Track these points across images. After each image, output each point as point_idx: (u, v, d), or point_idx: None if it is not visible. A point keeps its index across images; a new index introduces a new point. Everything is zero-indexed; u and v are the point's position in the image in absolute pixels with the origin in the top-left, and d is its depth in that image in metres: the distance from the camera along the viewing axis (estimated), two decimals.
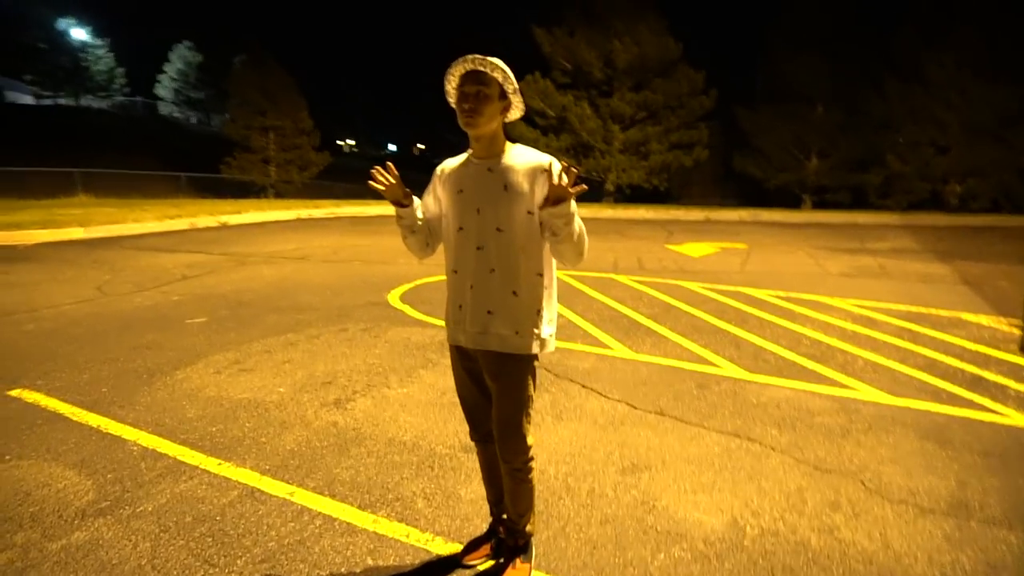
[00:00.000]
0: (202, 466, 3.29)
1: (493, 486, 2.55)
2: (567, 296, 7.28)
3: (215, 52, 59.10)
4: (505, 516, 2.50)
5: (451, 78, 2.09)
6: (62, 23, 53.36)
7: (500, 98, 2.09)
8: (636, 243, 12.38)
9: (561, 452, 3.48)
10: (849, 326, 6.15)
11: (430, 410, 4.03)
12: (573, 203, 2.01)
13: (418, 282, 8.03)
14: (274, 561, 2.52)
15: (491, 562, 2.52)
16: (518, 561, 2.43)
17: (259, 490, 3.07)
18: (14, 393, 4.24)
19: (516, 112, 2.17)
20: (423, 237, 2.37)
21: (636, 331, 5.88)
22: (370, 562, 2.52)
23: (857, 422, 3.90)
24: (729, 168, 29.09)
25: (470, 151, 2.21)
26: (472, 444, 2.63)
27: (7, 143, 32.59)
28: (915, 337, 5.78)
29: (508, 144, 2.17)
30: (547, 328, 2.24)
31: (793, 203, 25.47)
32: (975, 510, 2.90)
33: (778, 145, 25.48)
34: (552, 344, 2.28)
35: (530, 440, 2.30)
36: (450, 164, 2.28)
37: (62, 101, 53.45)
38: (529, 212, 2.10)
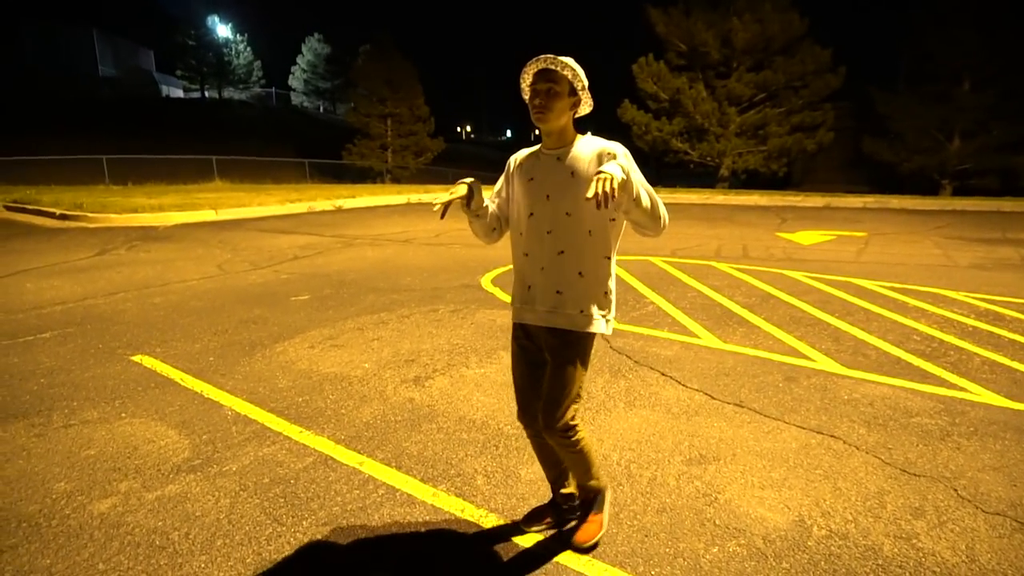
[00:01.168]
0: (285, 433, 3.52)
1: (549, 465, 2.60)
2: (660, 283, 7.11)
3: (343, 43, 62.03)
4: (566, 491, 2.62)
5: (526, 76, 2.23)
6: (208, 20, 57.70)
7: (569, 95, 2.19)
8: (744, 230, 11.86)
9: (628, 439, 3.43)
10: (970, 321, 5.62)
11: (504, 391, 4.08)
12: (631, 184, 2.02)
13: (509, 267, 8.11)
14: (335, 524, 2.67)
15: (552, 531, 2.62)
16: (591, 515, 2.55)
17: (332, 458, 3.24)
18: (136, 358, 4.70)
19: (585, 108, 2.28)
20: (489, 222, 2.44)
21: (728, 320, 5.66)
22: (423, 532, 2.61)
23: (961, 425, 3.59)
24: (859, 152, 27.15)
25: (541, 144, 2.33)
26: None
27: (163, 132, 35.93)
28: None
29: (578, 136, 2.28)
30: (612, 310, 2.35)
31: (931, 190, 23.44)
32: None
33: (918, 128, 23.48)
34: (612, 325, 2.36)
35: (575, 419, 2.33)
36: (523, 154, 2.40)
37: (207, 94, 57.91)
38: None
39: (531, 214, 2.27)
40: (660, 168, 31.65)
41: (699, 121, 23.91)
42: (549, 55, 2.13)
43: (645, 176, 2.19)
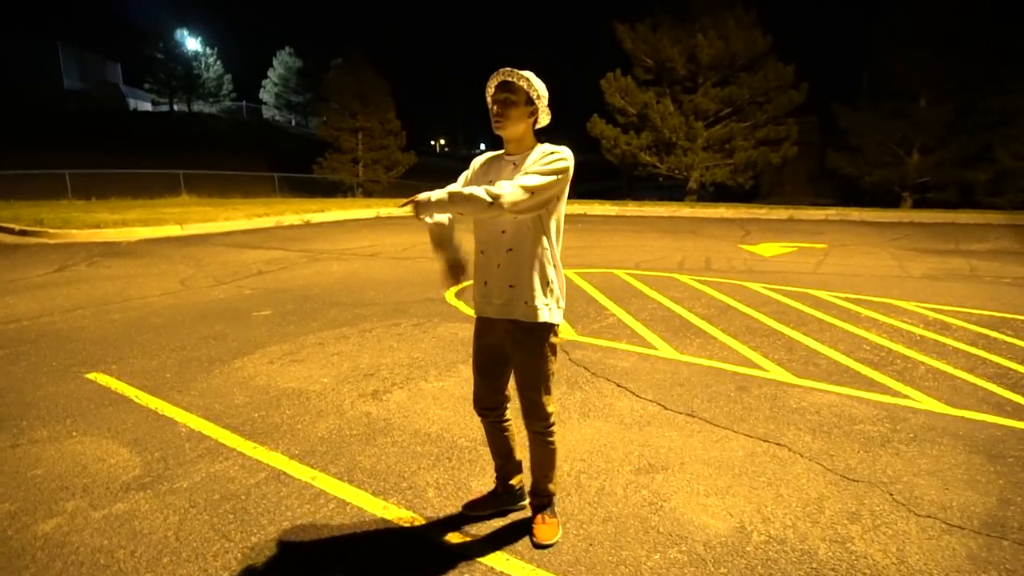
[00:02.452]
0: (239, 449, 3.51)
1: (500, 456, 2.82)
2: (623, 295, 7.22)
3: (315, 57, 61.80)
4: (513, 482, 2.86)
5: (488, 88, 2.38)
6: (177, 34, 57.16)
7: (526, 104, 2.34)
8: (708, 242, 12.07)
9: (579, 450, 3.49)
10: (918, 331, 5.80)
11: (461, 404, 4.12)
12: (431, 197, 2.26)
13: None
14: (284, 539, 2.68)
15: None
16: (547, 516, 2.70)
17: (285, 473, 3.25)
18: (91, 376, 4.65)
19: (544, 119, 2.42)
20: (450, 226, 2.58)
21: (686, 331, 5.77)
22: (370, 545, 2.63)
23: (902, 431, 3.71)
24: (824, 166, 27.77)
25: (504, 149, 2.50)
26: (481, 437, 2.87)
27: (129, 146, 35.41)
28: (991, 344, 5.39)
29: (537, 144, 2.44)
30: (560, 299, 2.51)
31: (893, 202, 24.04)
32: (1012, 530, 2.71)
33: (879, 143, 24.13)
34: (560, 314, 2.52)
35: (551, 408, 2.59)
36: (487, 156, 2.59)
37: (176, 107, 57.28)
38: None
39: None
40: (631, 181, 32.09)
41: (667, 135, 24.28)
42: (509, 68, 2.29)
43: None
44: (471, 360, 2.74)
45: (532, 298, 2.42)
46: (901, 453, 3.43)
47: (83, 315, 6.39)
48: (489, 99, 2.39)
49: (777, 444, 3.54)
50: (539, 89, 2.33)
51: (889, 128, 23.57)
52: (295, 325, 6.03)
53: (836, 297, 7.13)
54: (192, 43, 58.24)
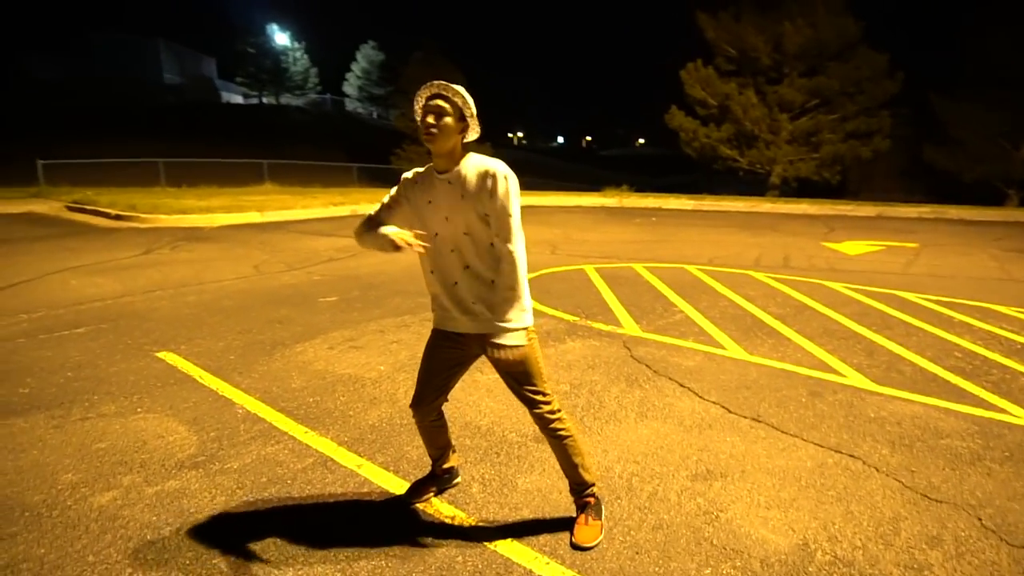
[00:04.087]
0: (291, 433, 3.53)
1: (433, 447, 2.81)
2: (692, 291, 6.94)
3: (397, 50, 62.95)
4: (447, 465, 2.90)
5: (419, 100, 2.31)
6: (268, 29, 59.42)
7: (458, 120, 2.29)
8: (788, 239, 11.51)
9: (634, 451, 3.33)
10: (1020, 339, 5.30)
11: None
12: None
13: (544, 271, 8.04)
14: (324, 527, 2.65)
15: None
16: (590, 517, 2.60)
17: (332, 460, 3.23)
18: (161, 355, 4.81)
19: (473, 134, 2.37)
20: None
21: (758, 331, 5.47)
22: (412, 538, 2.57)
23: (995, 449, 3.36)
24: (919, 161, 26.13)
25: (431, 164, 2.40)
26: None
27: (220, 137, 37.14)
28: None
29: (465, 156, 2.36)
30: (527, 306, 2.38)
31: (996, 200, 22.35)
32: None
33: (981, 135, 22.46)
34: (530, 314, 2.40)
35: (557, 410, 2.55)
36: (416, 174, 2.47)
37: (265, 100, 59.58)
38: (485, 214, 2.30)
39: (436, 234, 2.38)
40: (710, 176, 31.12)
41: (749, 128, 23.38)
42: (441, 82, 2.28)
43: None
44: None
45: (506, 309, 2.36)
46: (993, 473, 3.11)
47: (161, 296, 6.66)
48: (419, 110, 2.31)
49: (850, 456, 3.27)
50: (471, 106, 2.31)
51: (993, 119, 21.85)
52: (358, 312, 6.08)
53: (926, 300, 6.63)
54: (281, 38, 60.42)
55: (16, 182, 19.42)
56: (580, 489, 2.63)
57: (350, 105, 68.05)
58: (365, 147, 39.64)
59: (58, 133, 32.34)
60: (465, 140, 2.36)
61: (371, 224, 2.44)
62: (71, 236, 11.41)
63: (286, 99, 60.29)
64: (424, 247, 2.30)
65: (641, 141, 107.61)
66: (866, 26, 21.86)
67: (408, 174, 2.48)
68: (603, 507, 2.73)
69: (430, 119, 2.25)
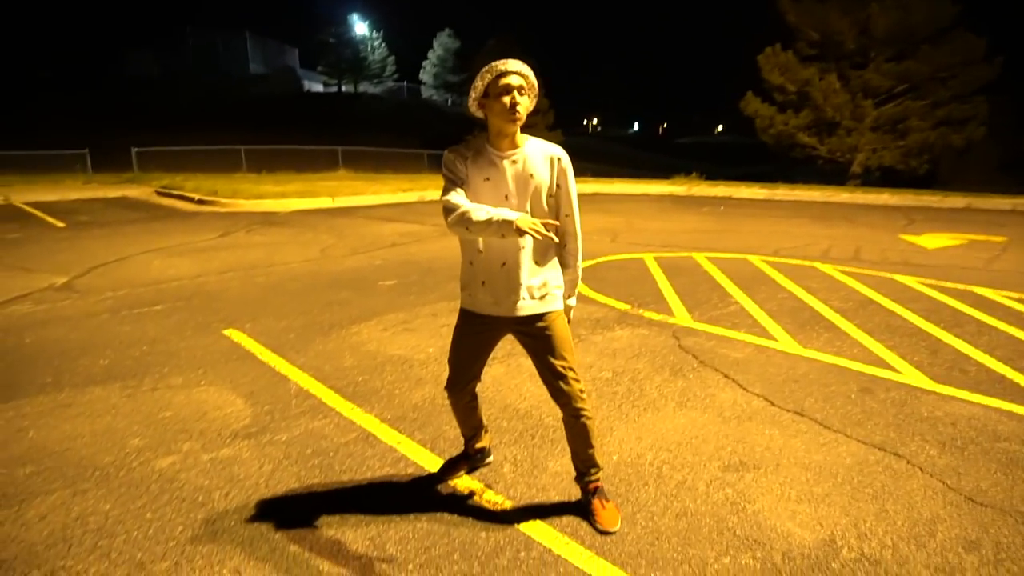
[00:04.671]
0: (338, 409, 3.71)
1: (467, 427, 2.89)
2: (752, 282, 6.79)
3: (473, 37, 63.49)
4: (480, 445, 2.97)
5: (486, 76, 2.28)
6: (348, 19, 60.97)
7: (532, 98, 2.33)
8: (862, 230, 11.02)
9: (668, 440, 3.34)
10: None
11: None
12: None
13: (601, 259, 8.03)
14: (360, 498, 2.81)
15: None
16: (603, 501, 2.66)
17: (374, 435, 3.39)
18: (227, 332, 5.11)
19: (529, 110, 2.36)
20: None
21: (815, 324, 5.32)
22: (439, 513, 2.68)
23: None
24: (1019, 151, 24.39)
25: (485, 143, 2.38)
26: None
27: (301, 125, 38.50)
28: None
29: (523, 137, 2.40)
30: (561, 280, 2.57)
31: None
32: None
33: None
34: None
35: (583, 391, 2.58)
36: (464, 151, 2.40)
37: (344, 88, 61.19)
38: (550, 196, 2.44)
39: None
40: (789, 164, 30.01)
41: (829, 114, 22.35)
42: (515, 60, 2.29)
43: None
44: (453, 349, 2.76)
45: (551, 289, 2.52)
46: None
47: (232, 277, 7.03)
48: (482, 88, 2.30)
49: (895, 454, 3.18)
50: (535, 82, 2.34)
51: None
52: (415, 296, 6.25)
53: (1006, 297, 6.26)
54: (360, 27, 61.84)
55: (112, 168, 20.78)
56: (591, 472, 2.66)
57: (426, 92, 69.03)
58: (439, 134, 40.16)
59: (152, 126, 34.33)
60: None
61: (471, 210, 2.25)
62: (157, 219, 12.15)
63: (364, 87, 61.73)
64: (554, 232, 2.28)
65: (720, 129, 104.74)
66: (963, 8, 20.45)
67: (453, 152, 2.39)
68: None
69: (515, 96, 2.24)
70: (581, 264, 2.64)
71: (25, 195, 15.29)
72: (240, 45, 59.29)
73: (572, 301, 2.65)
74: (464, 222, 2.25)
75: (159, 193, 16.10)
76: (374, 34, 62.43)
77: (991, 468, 3.06)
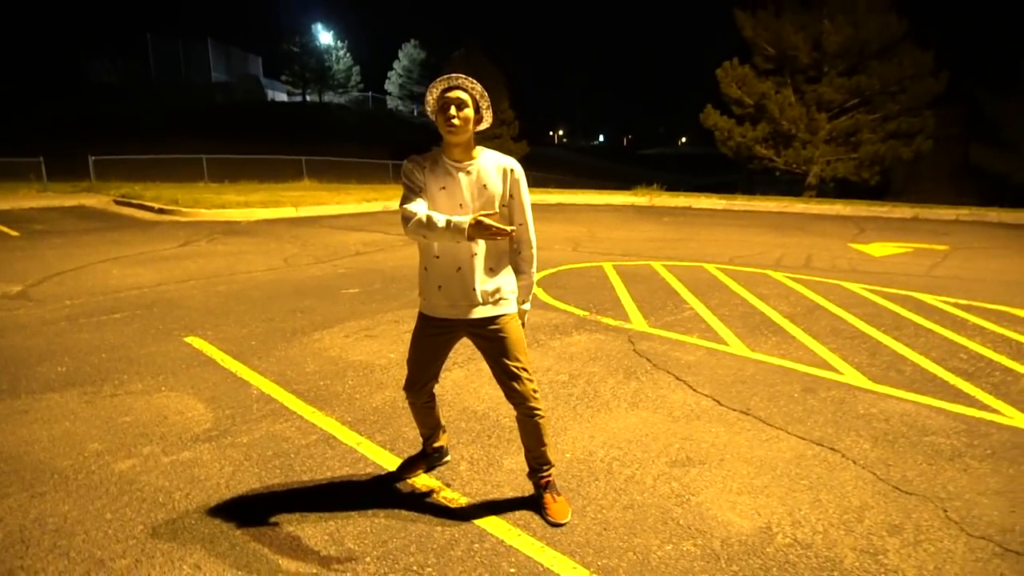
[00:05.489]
0: (299, 412, 3.77)
1: (426, 427, 3.02)
2: (706, 289, 7.01)
3: (438, 48, 63.52)
4: (437, 444, 3.09)
5: (433, 90, 2.44)
6: (312, 28, 60.60)
7: (476, 111, 2.46)
8: (815, 239, 11.41)
9: (619, 438, 3.48)
10: None
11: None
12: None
13: (561, 268, 8.20)
14: (319, 496, 2.89)
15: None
16: (555, 495, 2.77)
17: (334, 437, 3.47)
18: (188, 339, 5.12)
19: (485, 124, 2.54)
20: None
21: (764, 329, 5.54)
22: (395, 509, 2.78)
23: (979, 447, 3.41)
24: (969, 162, 25.37)
25: (441, 154, 2.52)
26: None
27: (265, 134, 38.10)
28: None
29: (477, 148, 2.54)
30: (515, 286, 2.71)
31: None
32: None
33: None
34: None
35: (536, 391, 2.70)
36: (421, 160, 2.53)
37: (309, 98, 60.74)
38: (503, 205, 2.56)
39: None
40: (749, 176, 30.71)
41: (785, 127, 23.03)
42: (458, 73, 2.44)
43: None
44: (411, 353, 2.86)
45: (503, 293, 2.63)
46: (970, 469, 3.17)
47: (194, 286, 7.02)
48: (434, 101, 2.43)
49: (831, 449, 3.37)
50: (486, 96, 2.47)
51: None
52: (377, 303, 6.33)
53: (943, 302, 6.58)
54: (325, 37, 61.40)
55: (70, 178, 20.34)
56: (543, 469, 2.77)
57: (391, 103, 68.88)
58: (405, 144, 40.08)
59: (112, 134, 33.58)
60: (478, 129, 2.51)
61: (427, 217, 2.36)
62: (116, 229, 11.98)
63: (329, 97, 61.34)
64: (512, 230, 2.37)
65: (683, 140, 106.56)
66: (910, 24, 21.32)
67: (412, 162, 2.50)
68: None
69: (452, 111, 2.36)
70: (535, 271, 2.78)
71: None
72: (203, 53, 58.45)
73: (527, 306, 2.76)
74: (421, 228, 2.38)
75: (117, 202, 15.85)
76: (339, 44, 62.15)
77: (918, 460, 3.27)
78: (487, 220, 2.25)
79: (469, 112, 2.41)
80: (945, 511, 2.79)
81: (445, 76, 2.42)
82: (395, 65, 69.70)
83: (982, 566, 2.42)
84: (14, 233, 11.20)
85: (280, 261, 8.60)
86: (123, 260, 8.48)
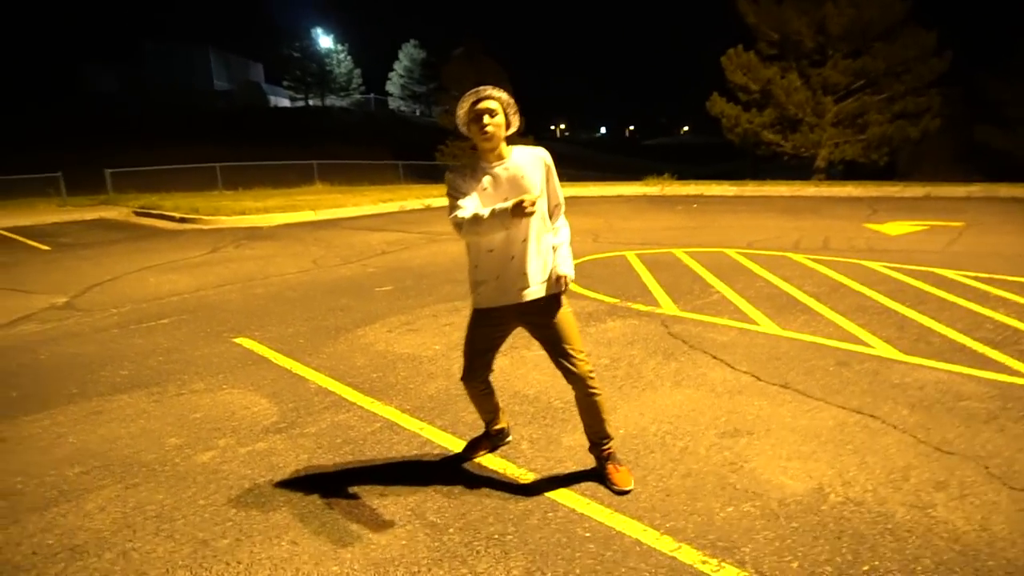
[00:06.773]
0: (358, 403, 3.97)
1: (486, 411, 3.20)
2: (730, 273, 7.17)
3: (439, 48, 63.75)
4: (498, 426, 3.28)
5: (463, 105, 2.62)
6: (312, 33, 60.85)
7: (505, 118, 2.65)
8: (829, 221, 11.53)
9: (668, 414, 3.66)
10: None
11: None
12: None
13: (586, 258, 8.36)
14: (394, 477, 3.07)
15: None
16: (617, 465, 2.96)
17: (397, 424, 3.66)
18: (238, 340, 5.32)
19: (514, 128, 2.72)
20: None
21: (791, 309, 5.70)
22: (469, 486, 2.96)
23: (1013, 409, 3.57)
24: (973, 141, 25.31)
25: (479, 160, 2.72)
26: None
27: (270, 140, 38.43)
28: None
29: (508, 148, 2.72)
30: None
31: None
32: None
33: None
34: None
35: (592, 368, 2.90)
36: (460, 170, 2.75)
37: (311, 102, 61.03)
38: (542, 190, 2.76)
39: None
40: (756, 162, 30.74)
41: (792, 111, 23.09)
42: (485, 86, 2.63)
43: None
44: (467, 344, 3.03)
45: (550, 272, 2.83)
46: (1006, 429, 3.33)
47: (231, 289, 7.23)
48: (465, 115, 2.62)
49: (871, 416, 3.53)
50: (513, 102, 2.65)
51: None
52: (413, 299, 6.52)
53: (964, 276, 6.72)
54: (325, 41, 61.69)
55: (84, 189, 20.65)
56: (604, 442, 2.95)
57: (393, 104, 69.09)
58: (409, 144, 40.41)
59: (116, 141, 33.99)
60: (508, 134, 2.69)
61: (476, 213, 2.58)
62: (142, 239, 12.23)
63: (331, 100, 61.61)
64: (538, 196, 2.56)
65: (685, 129, 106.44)
66: (913, 4, 21.32)
67: (453, 172, 2.74)
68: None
69: (485, 119, 2.57)
70: (568, 237, 2.95)
71: (1, 221, 15.21)
72: (203, 60, 58.93)
73: (563, 269, 2.83)
74: (472, 226, 2.59)
75: (138, 213, 16.11)
76: (339, 47, 62.40)
77: (955, 423, 3.43)
78: (524, 197, 2.44)
79: (500, 119, 2.60)
80: (987, 467, 2.96)
81: (473, 90, 2.60)
82: (395, 66, 69.84)
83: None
84: (45, 247, 11.47)
85: (309, 263, 8.81)
86: (156, 268, 8.71)
